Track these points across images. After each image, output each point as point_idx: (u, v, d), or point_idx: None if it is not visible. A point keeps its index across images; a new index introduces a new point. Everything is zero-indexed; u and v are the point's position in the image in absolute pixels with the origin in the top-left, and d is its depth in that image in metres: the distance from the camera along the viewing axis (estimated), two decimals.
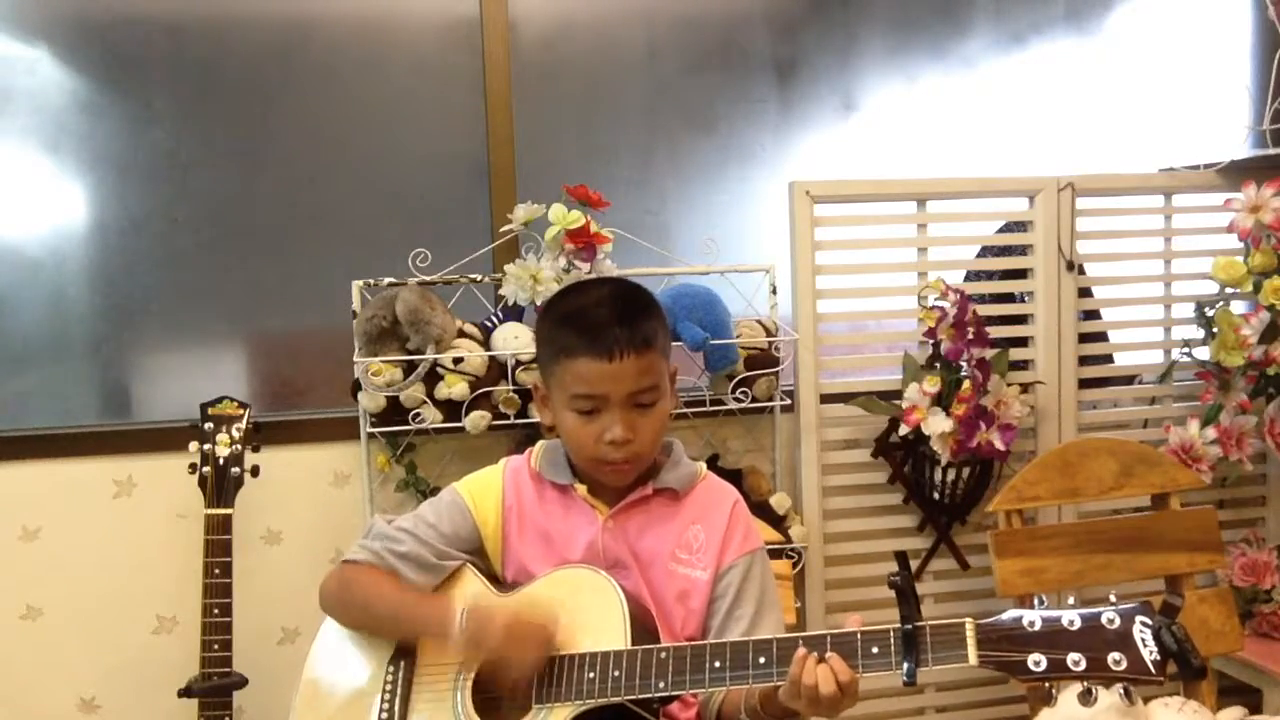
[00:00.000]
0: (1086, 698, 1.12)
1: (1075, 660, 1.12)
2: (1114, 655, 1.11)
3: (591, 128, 2.57)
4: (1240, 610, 2.28)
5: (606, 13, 2.57)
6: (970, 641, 1.17)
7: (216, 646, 2.02)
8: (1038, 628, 1.15)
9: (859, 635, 1.23)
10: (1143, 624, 1.11)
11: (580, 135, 2.56)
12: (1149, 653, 1.10)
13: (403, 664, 1.44)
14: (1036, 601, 1.17)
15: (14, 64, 2.31)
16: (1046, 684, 1.16)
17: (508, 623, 1.34)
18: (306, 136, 2.45)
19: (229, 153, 2.41)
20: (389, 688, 1.42)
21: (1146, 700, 1.67)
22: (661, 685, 1.29)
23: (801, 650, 1.23)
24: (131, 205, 2.38)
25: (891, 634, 1.21)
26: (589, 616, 1.37)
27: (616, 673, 1.30)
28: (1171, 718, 1.65)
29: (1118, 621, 1.12)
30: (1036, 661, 1.13)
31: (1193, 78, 2.77)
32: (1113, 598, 1.15)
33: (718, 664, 1.28)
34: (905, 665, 1.18)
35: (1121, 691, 1.12)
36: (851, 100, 2.68)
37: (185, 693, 2.03)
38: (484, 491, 1.53)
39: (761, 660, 1.27)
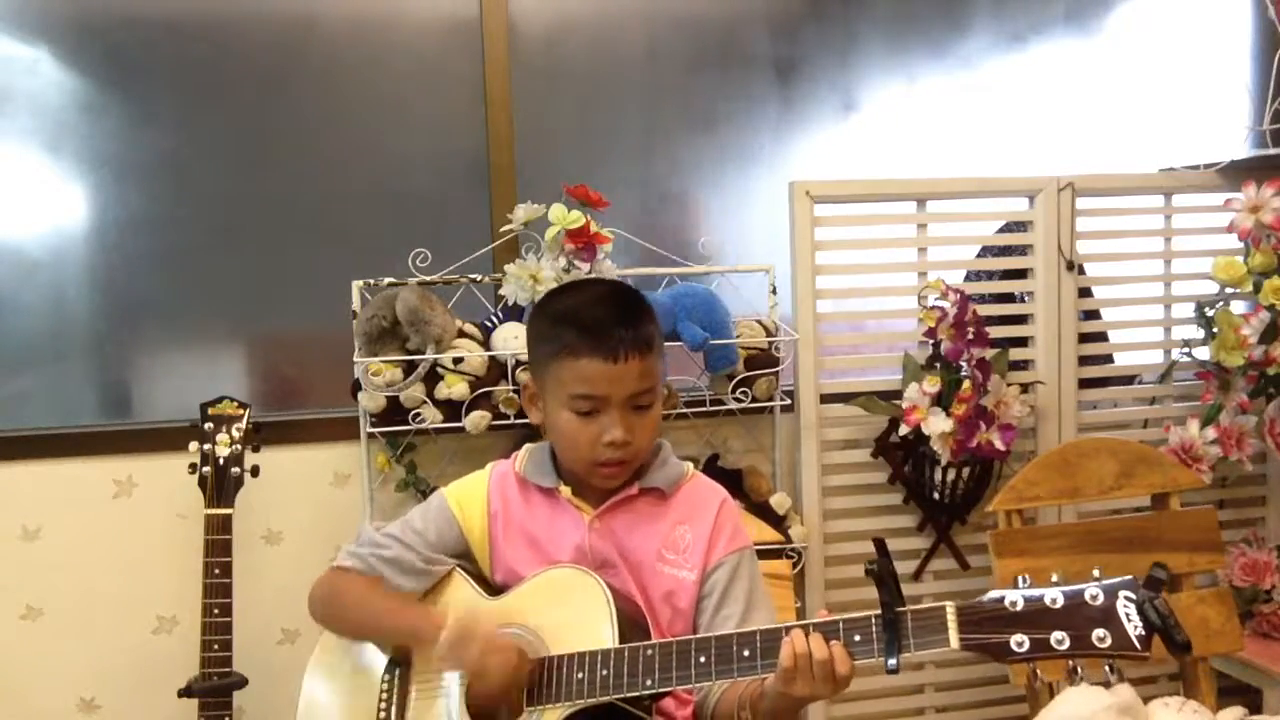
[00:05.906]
0: (1073, 677, 1.11)
1: (1059, 639, 1.10)
2: (1098, 632, 1.09)
3: (591, 128, 2.57)
4: (1240, 610, 2.28)
5: (606, 13, 2.57)
6: (952, 625, 1.15)
7: (216, 646, 2.02)
8: (1020, 608, 1.13)
9: (841, 623, 1.22)
10: (1126, 598, 1.10)
11: (580, 136, 2.56)
12: (1133, 628, 1.08)
13: (398, 670, 1.44)
14: (1019, 581, 1.15)
15: (14, 64, 2.32)
16: (1042, 680, 1.14)
17: (488, 633, 1.33)
18: (306, 136, 2.45)
19: (229, 153, 2.42)
20: (385, 693, 1.43)
21: (1147, 700, 1.66)
22: (649, 682, 1.29)
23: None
24: (131, 205, 2.38)
25: (873, 621, 1.21)
26: (576, 616, 1.36)
27: (604, 672, 1.30)
28: (1171, 718, 1.65)
29: (1101, 597, 1.10)
30: (1020, 642, 1.11)
31: (1193, 78, 2.77)
32: (1096, 573, 1.13)
33: (703, 659, 1.27)
34: (890, 657, 1.17)
35: (1107, 668, 1.10)
36: (851, 100, 2.68)
37: (185, 693, 2.03)
38: (469, 498, 1.53)
39: (746, 653, 1.26)
